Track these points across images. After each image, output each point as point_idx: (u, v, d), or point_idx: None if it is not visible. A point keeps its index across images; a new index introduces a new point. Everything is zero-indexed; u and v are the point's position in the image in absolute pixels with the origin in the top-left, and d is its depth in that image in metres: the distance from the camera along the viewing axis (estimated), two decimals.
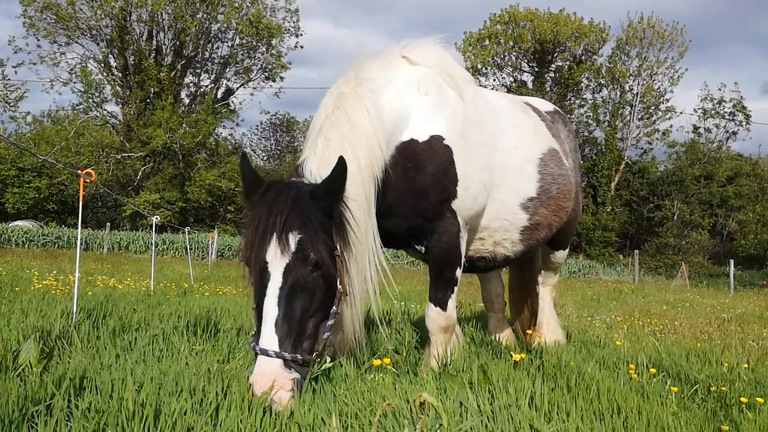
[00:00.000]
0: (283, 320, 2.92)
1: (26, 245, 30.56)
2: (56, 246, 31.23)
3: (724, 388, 3.69)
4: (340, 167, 3.05)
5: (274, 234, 2.94)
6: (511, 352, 4.02)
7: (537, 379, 3.20)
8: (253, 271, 3.05)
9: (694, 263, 42.52)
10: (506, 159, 4.14)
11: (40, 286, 7.77)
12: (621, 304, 13.01)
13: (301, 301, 2.97)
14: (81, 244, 5.26)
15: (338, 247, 3.10)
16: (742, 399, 3.44)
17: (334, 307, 3.09)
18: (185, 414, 2.51)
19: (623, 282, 27.55)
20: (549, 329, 5.14)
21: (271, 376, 2.79)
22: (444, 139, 3.70)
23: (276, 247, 2.94)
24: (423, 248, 3.90)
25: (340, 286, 3.11)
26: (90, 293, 7.03)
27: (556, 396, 3.02)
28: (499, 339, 4.98)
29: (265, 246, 2.96)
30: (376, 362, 3.49)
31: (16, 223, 34.83)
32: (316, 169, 3.25)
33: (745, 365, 4.66)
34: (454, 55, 4.14)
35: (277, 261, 2.96)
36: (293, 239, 2.95)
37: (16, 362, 3.13)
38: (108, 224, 33.59)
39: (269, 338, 2.89)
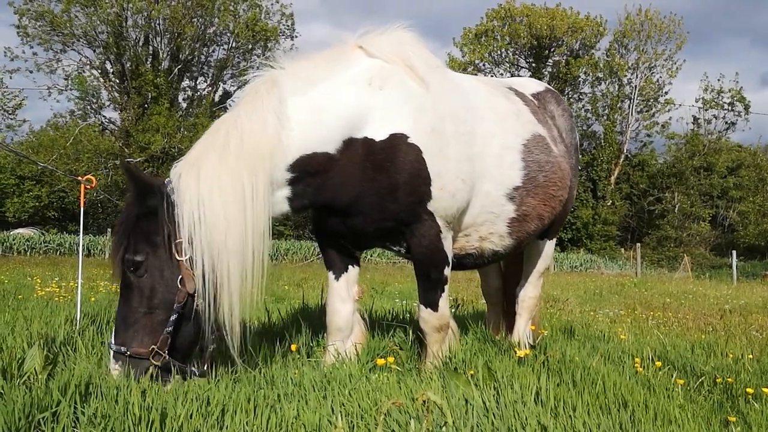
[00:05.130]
0: (117, 316, 3.23)
1: (28, 253, 30.49)
2: (58, 253, 31.18)
3: (729, 379, 3.70)
4: (127, 174, 3.17)
5: (115, 240, 3.24)
6: (515, 348, 4.01)
7: (542, 375, 3.20)
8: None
9: (696, 255, 42.50)
10: (485, 147, 3.88)
11: (43, 293, 7.77)
12: (624, 298, 13.00)
13: (130, 301, 3.18)
14: (83, 250, 5.26)
15: (174, 248, 3.14)
16: (748, 389, 3.45)
17: (176, 305, 3.13)
18: (191, 417, 2.51)
19: (625, 275, 27.52)
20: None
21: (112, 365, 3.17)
22: (409, 137, 3.47)
23: (114, 252, 3.23)
24: (401, 249, 3.79)
25: (182, 288, 3.13)
26: (93, 299, 7.02)
27: (561, 391, 3.02)
28: (497, 333, 4.95)
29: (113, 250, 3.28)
30: (380, 361, 3.49)
31: (17, 231, 34.78)
32: (181, 167, 3.22)
33: (750, 356, 4.66)
34: (418, 41, 3.84)
35: (117, 264, 3.24)
36: (120, 245, 3.19)
37: (21, 369, 3.14)
38: (109, 230, 33.49)
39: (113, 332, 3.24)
